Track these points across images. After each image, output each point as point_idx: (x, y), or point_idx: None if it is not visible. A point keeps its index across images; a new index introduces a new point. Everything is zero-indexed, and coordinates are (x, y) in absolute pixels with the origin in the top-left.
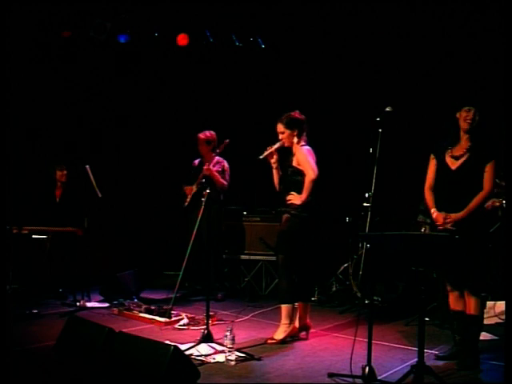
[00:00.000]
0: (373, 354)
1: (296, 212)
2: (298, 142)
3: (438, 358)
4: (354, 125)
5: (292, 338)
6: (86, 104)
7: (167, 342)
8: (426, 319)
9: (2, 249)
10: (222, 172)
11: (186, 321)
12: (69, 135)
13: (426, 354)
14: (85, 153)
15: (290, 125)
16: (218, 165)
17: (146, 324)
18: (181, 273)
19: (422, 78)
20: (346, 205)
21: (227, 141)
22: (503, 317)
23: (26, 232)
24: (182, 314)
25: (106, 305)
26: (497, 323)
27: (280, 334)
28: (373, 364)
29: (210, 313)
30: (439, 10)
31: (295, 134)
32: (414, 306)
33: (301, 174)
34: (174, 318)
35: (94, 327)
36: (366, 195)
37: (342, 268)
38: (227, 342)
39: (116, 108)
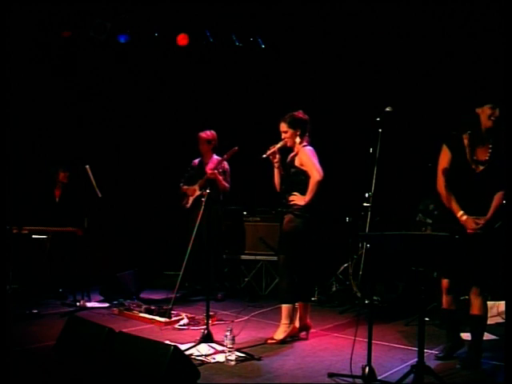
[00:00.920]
0: (373, 354)
1: (299, 212)
2: (301, 142)
3: (437, 358)
4: (354, 125)
5: (292, 337)
6: (85, 104)
7: (167, 341)
8: (426, 319)
9: (2, 249)
10: (223, 173)
11: (186, 321)
12: (69, 135)
13: (426, 354)
14: (85, 153)
15: (293, 124)
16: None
17: (146, 324)
18: (181, 273)
19: (422, 77)
20: (346, 205)
21: (236, 148)
22: (503, 316)
23: (26, 232)
24: (182, 313)
25: (106, 305)
26: (497, 323)
27: (280, 334)
28: (373, 364)
29: (210, 313)
30: (439, 10)
31: (298, 133)
32: (413, 306)
33: (304, 174)
34: (174, 318)
35: (94, 327)
36: (366, 195)
37: (342, 268)
38: (227, 341)
39: (116, 108)
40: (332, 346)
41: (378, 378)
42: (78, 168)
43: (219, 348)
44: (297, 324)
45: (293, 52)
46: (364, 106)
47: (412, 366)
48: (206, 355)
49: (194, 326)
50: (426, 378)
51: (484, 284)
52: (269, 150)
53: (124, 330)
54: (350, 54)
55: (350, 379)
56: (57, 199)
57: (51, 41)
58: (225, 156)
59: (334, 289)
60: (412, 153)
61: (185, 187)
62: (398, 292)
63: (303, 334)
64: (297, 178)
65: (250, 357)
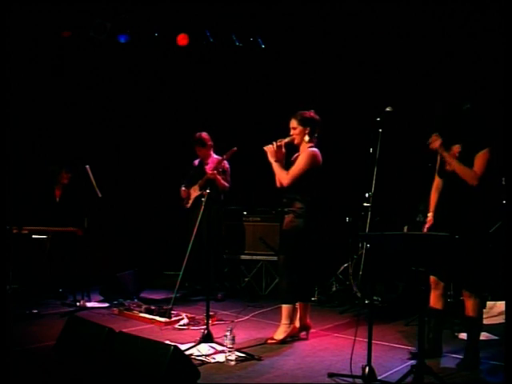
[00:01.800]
0: (373, 353)
1: (300, 212)
2: (308, 142)
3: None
4: (354, 125)
5: (292, 337)
6: (85, 104)
7: (167, 341)
8: (426, 319)
9: (2, 249)
10: (223, 173)
11: (186, 321)
12: (69, 135)
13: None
14: (85, 153)
15: (304, 121)
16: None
17: (146, 324)
18: (181, 273)
19: (421, 77)
20: (346, 205)
21: (235, 148)
22: (503, 317)
23: (26, 232)
24: (182, 313)
25: (106, 305)
26: (497, 323)
27: (280, 334)
28: (373, 364)
29: (210, 313)
30: (439, 10)
31: (307, 131)
32: (413, 306)
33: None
34: (174, 318)
35: (94, 327)
36: (366, 195)
37: (342, 268)
38: (227, 342)
39: (116, 108)
40: (332, 346)
41: (378, 377)
42: (78, 168)
43: (219, 348)
44: (297, 324)
45: (293, 52)
46: (364, 105)
47: (412, 366)
48: (206, 355)
49: (193, 326)
50: (425, 378)
51: (472, 285)
52: (275, 142)
53: (124, 330)
54: (350, 53)
55: (350, 379)
56: (57, 199)
57: (51, 41)
58: (224, 156)
59: (334, 289)
60: (412, 153)
61: (183, 189)
62: (398, 292)
63: (303, 333)
64: None
65: (250, 357)
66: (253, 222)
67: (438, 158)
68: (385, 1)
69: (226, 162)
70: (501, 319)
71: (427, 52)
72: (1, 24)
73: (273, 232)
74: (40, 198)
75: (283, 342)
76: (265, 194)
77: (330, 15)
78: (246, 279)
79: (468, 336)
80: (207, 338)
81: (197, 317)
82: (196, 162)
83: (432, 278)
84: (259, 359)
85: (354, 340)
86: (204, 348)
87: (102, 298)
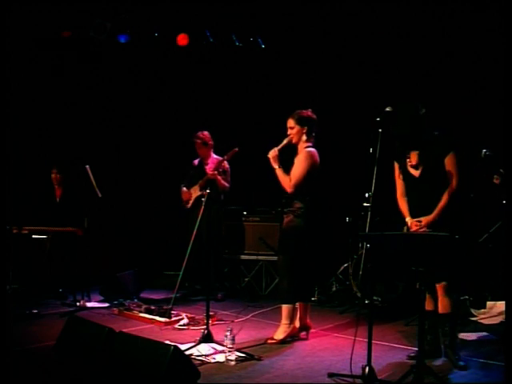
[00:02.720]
0: (373, 354)
1: (299, 212)
2: (306, 141)
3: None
4: (354, 125)
5: (292, 337)
6: (85, 104)
7: (167, 342)
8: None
9: (2, 249)
10: (224, 173)
11: (185, 321)
12: (69, 135)
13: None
14: (85, 153)
15: (301, 121)
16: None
17: (146, 324)
18: (181, 273)
19: (421, 78)
20: (346, 205)
21: (236, 149)
22: (503, 317)
23: (26, 232)
24: (182, 313)
25: (106, 305)
26: (497, 323)
27: (280, 334)
28: (373, 364)
29: (210, 313)
30: (439, 10)
31: (304, 131)
32: (413, 306)
33: None
34: (174, 318)
35: (94, 327)
36: (366, 195)
37: (342, 268)
38: (227, 341)
39: (116, 108)
40: (332, 346)
41: (378, 378)
42: (77, 168)
43: (219, 348)
44: (297, 324)
45: (293, 52)
46: (364, 105)
47: (412, 366)
48: (206, 355)
49: (193, 326)
50: (426, 378)
51: (446, 283)
52: (276, 147)
53: (124, 330)
54: (350, 53)
55: (350, 379)
56: (57, 199)
57: (51, 41)
58: (225, 157)
59: (334, 289)
60: None
61: (184, 190)
62: (398, 292)
63: (303, 333)
64: None
65: (250, 357)
66: (253, 222)
67: (397, 166)
68: (385, 1)
69: (226, 162)
70: (501, 319)
71: (427, 52)
72: (1, 24)
73: (273, 232)
74: (40, 197)
75: (283, 341)
76: (265, 194)
77: (330, 15)
78: (246, 279)
79: (436, 334)
80: (207, 338)
81: (197, 317)
82: (196, 161)
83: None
84: (259, 359)
85: (354, 340)
86: (204, 348)
87: (102, 297)
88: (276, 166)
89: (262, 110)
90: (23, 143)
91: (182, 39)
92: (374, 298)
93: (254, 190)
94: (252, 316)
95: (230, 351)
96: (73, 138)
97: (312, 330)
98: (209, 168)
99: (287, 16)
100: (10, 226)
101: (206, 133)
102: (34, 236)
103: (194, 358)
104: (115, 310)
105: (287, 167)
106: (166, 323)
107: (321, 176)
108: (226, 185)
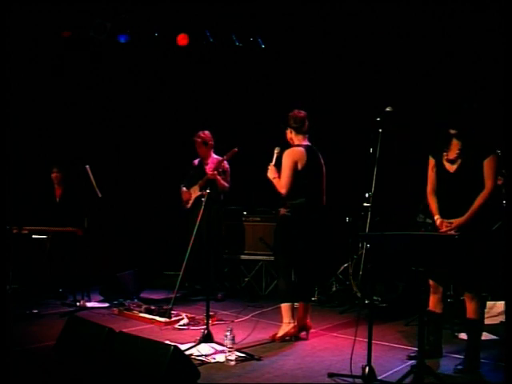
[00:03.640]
0: (373, 354)
1: (287, 212)
2: (298, 140)
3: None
4: (354, 125)
5: (292, 337)
6: (85, 104)
7: (167, 342)
8: (426, 319)
9: (2, 249)
10: (223, 173)
11: (185, 321)
12: (69, 135)
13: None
14: (85, 153)
15: (287, 124)
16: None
17: (146, 324)
18: (181, 273)
19: (422, 77)
20: (346, 205)
21: (236, 149)
22: (503, 317)
23: (26, 232)
24: (182, 313)
25: (106, 305)
26: (497, 323)
27: (280, 332)
28: (373, 364)
29: (210, 313)
30: (439, 10)
31: (292, 131)
32: (414, 306)
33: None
34: (174, 318)
35: (94, 327)
36: (366, 195)
37: (342, 268)
38: (227, 341)
39: (116, 108)
40: (332, 346)
41: (378, 378)
42: (77, 168)
43: (219, 348)
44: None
45: (293, 52)
46: (364, 105)
47: (412, 366)
48: (206, 355)
49: (193, 326)
50: (426, 378)
51: (474, 288)
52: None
53: (124, 330)
54: (350, 53)
55: (350, 379)
56: (57, 199)
57: (51, 41)
58: (225, 157)
59: (334, 289)
60: (412, 153)
61: (183, 189)
62: (398, 292)
63: (303, 333)
64: None
65: (249, 357)
66: (253, 221)
67: (432, 161)
68: (385, 1)
69: (225, 162)
70: (501, 319)
71: (427, 52)
72: (1, 24)
73: (273, 232)
74: (40, 197)
75: (283, 340)
76: (265, 194)
77: (330, 15)
78: (246, 279)
79: (469, 338)
80: (207, 338)
81: (197, 317)
82: (196, 161)
83: (431, 282)
84: (259, 359)
85: (354, 340)
86: (204, 348)
87: (102, 297)
88: (271, 177)
89: (262, 110)
90: (23, 143)
91: (182, 39)
92: (374, 298)
93: (253, 190)
94: (252, 316)
95: (230, 351)
96: (73, 138)
97: (312, 330)
98: (209, 168)
99: (287, 16)
100: (9, 226)
101: (206, 132)
102: (34, 236)
103: (194, 358)
104: (115, 309)
105: None
106: (166, 323)
107: (317, 175)
108: (226, 185)
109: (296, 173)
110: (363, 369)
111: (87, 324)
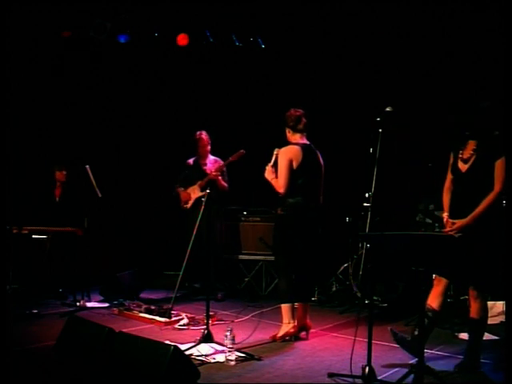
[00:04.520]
0: (373, 354)
1: (284, 211)
2: (296, 138)
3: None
4: (354, 125)
5: (292, 337)
6: (85, 104)
7: (167, 341)
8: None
9: (2, 249)
10: (222, 173)
11: (185, 321)
12: (69, 135)
13: (425, 354)
14: (85, 153)
15: (284, 124)
16: (216, 164)
17: (146, 324)
18: (181, 273)
19: (422, 77)
20: (346, 205)
21: (243, 151)
22: (503, 317)
23: (26, 232)
24: (181, 314)
25: (106, 305)
26: (497, 323)
27: (280, 332)
28: (373, 364)
29: (210, 313)
30: (439, 10)
31: (289, 130)
32: (413, 306)
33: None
34: (174, 318)
35: (94, 327)
36: (366, 195)
37: (342, 268)
38: (227, 341)
39: (116, 108)
40: (332, 346)
41: (378, 378)
42: (77, 168)
43: (219, 348)
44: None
45: (293, 52)
46: (364, 105)
47: (412, 366)
48: (206, 355)
49: (193, 326)
50: (425, 378)
51: (480, 287)
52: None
53: (124, 330)
54: (350, 53)
55: (350, 379)
56: (57, 199)
57: (51, 41)
58: (230, 158)
59: (334, 289)
60: (412, 153)
61: (180, 189)
62: (398, 292)
63: (303, 333)
64: None
65: (249, 357)
66: (253, 221)
67: (451, 157)
68: (385, 1)
69: (223, 162)
70: (501, 319)
71: (427, 52)
72: (1, 24)
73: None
74: (40, 198)
75: (283, 340)
76: (264, 194)
77: (330, 15)
78: (246, 279)
79: (470, 337)
80: (207, 338)
81: (197, 317)
82: (191, 161)
83: (436, 278)
84: (259, 359)
85: (354, 340)
86: (204, 348)
87: (102, 297)
88: (269, 178)
89: (262, 110)
90: (23, 143)
91: (182, 39)
92: (374, 298)
93: (253, 190)
94: (252, 316)
95: (230, 351)
96: (73, 138)
97: (312, 330)
98: (209, 168)
99: (287, 16)
100: (10, 226)
101: (205, 132)
102: (34, 236)
103: (194, 358)
104: (115, 309)
105: None
106: (166, 323)
107: (314, 174)
108: (226, 185)
109: (292, 171)
110: (363, 369)
111: (87, 324)
